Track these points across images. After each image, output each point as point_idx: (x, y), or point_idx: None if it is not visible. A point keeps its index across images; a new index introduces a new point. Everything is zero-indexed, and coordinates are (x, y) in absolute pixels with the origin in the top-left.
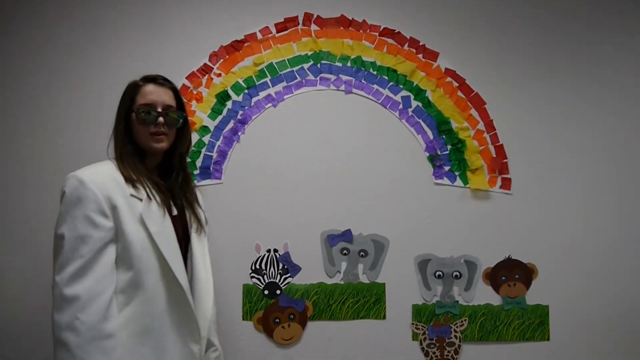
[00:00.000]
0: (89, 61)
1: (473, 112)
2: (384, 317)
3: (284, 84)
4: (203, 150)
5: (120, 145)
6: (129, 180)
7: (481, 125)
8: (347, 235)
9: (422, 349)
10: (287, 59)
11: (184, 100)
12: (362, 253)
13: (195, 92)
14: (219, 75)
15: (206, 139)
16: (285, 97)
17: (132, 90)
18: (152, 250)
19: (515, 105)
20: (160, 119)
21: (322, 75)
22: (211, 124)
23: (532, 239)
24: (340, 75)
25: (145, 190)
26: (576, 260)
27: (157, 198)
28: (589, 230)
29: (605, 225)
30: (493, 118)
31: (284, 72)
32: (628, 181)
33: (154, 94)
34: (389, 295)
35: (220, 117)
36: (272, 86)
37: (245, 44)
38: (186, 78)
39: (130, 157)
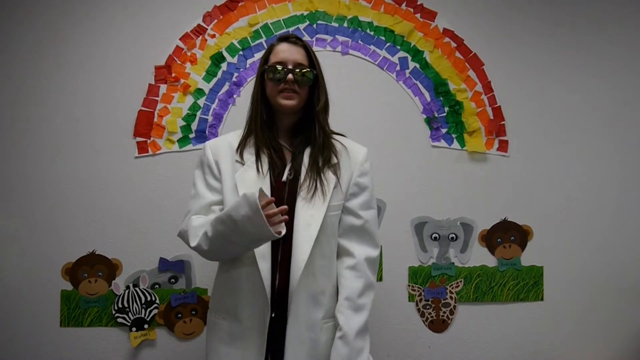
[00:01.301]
0: (77, 19)
1: (471, 73)
2: (381, 279)
3: None
4: (198, 113)
5: (254, 107)
6: (239, 146)
7: (479, 87)
8: None
9: (418, 310)
10: (283, 20)
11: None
12: None
13: (189, 53)
14: (213, 36)
15: (201, 101)
16: None
17: (268, 50)
18: None
19: (513, 67)
20: (290, 76)
21: (318, 36)
22: (206, 87)
23: (528, 201)
24: (336, 36)
25: (255, 155)
26: (571, 222)
27: (263, 164)
28: (584, 193)
29: (600, 187)
30: (491, 79)
31: (279, 32)
32: (624, 143)
33: (285, 52)
34: (386, 257)
35: (215, 80)
36: None
37: (240, 4)
38: (179, 39)
39: (256, 121)
